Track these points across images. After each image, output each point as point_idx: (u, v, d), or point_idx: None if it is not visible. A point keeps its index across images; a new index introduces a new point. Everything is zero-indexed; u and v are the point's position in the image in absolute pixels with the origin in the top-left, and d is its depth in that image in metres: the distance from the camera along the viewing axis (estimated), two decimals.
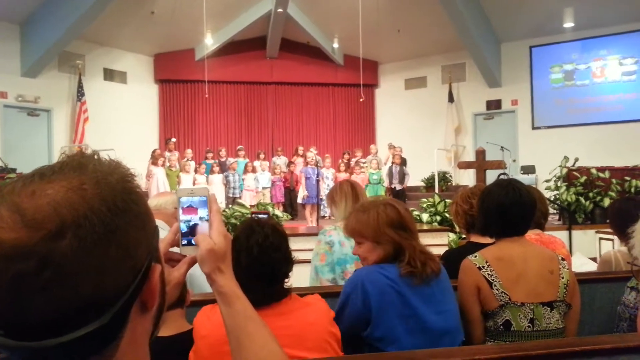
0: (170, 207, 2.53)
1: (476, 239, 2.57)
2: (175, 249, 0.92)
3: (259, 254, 1.64)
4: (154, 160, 11.36)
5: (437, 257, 2.01)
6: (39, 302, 0.50)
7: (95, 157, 0.61)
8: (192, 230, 0.90)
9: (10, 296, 0.50)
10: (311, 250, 5.22)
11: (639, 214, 0.72)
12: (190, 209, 0.91)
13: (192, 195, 0.91)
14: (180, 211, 0.91)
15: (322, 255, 2.84)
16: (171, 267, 0.91)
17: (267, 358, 0.87)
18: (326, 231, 2.94)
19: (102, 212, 0.54)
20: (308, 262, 4.44)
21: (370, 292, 1.83)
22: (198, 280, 2.25)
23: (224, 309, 0.89)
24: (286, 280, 1.74)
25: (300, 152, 13.48)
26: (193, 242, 0.89)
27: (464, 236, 2.79)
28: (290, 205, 12.35)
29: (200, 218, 0.91)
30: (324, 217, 11.49)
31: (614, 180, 7.44)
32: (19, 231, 0.51)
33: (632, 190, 7.23)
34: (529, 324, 1.99)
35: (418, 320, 1.84)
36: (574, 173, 7.57)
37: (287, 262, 1.72)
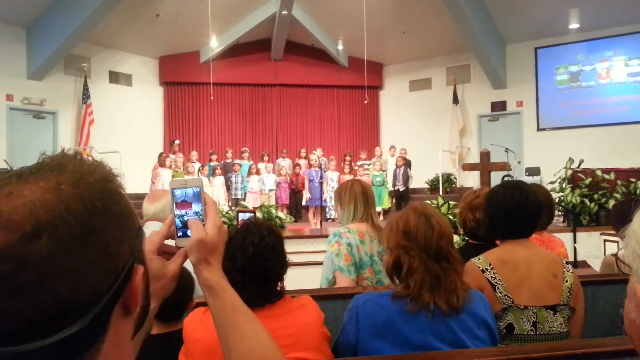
0: (167, 213, 2.48)
1: (473, 239, 2.58)
2: (171, 242, 0.91)
3: (254, 255, 1.63)
4: (162, 162, 11.40)
5: (466, 290, 1.76)
6: (17, 305, 0.49)
7: (77, 157, 0.59)
8: (186, 225, 0.89)
9: None
10: (315, 252, 5.24)
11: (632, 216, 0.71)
12: (184, 203, 0.89)
13: (185, 186, 0.90)
14: (174, 205, 0.90)
15: (345, 255, 2.63)
16: (166, 260, 0.89)
17: (259, 349, 0.85)
18: (341, 233, 2.69)
19: (80, 213, 0.53)
20: (308, 264, 4.38)
21: (362, 328, 1.71)
22: None
23: (210, 301, 0.87)
24: (279, 283, 1.73)
25: (303, 154, 13.48)
26: (188, 232, 0.88)
27: (467, 238, 2.78)
28: (295, 207, 12.36)
29: (195, 213, 0.89)
30: (327, 219, 11.49)
31: (619, 182, 7.38)
32: None
33: (638, 192, 7.18)
34: (532, 328, 1.98)
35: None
36: (579, 175, 7.52)
37: (281, 264, 1.71)
